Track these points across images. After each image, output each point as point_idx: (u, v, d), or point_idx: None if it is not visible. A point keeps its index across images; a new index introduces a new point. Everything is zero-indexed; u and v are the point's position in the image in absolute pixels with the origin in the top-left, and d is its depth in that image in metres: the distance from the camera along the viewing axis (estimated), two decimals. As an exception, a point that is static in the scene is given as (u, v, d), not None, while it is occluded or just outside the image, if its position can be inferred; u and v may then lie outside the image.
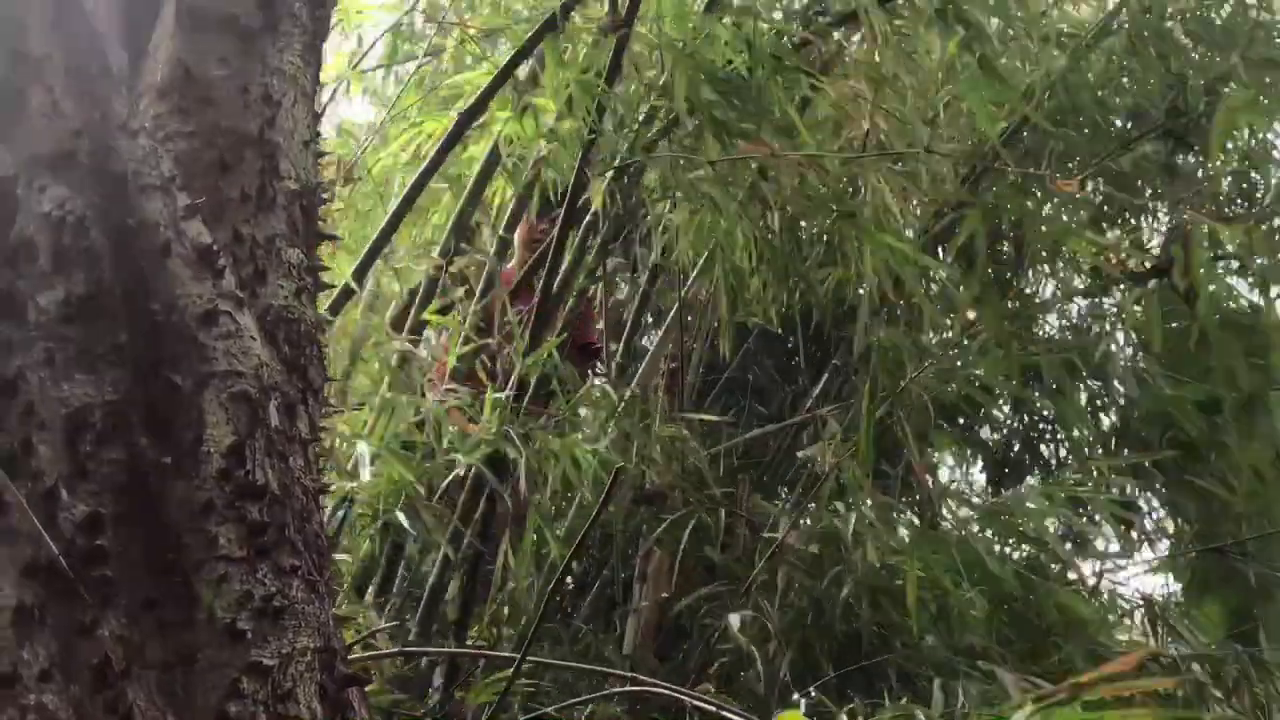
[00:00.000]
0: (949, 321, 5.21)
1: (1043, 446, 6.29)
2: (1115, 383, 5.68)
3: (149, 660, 1.48)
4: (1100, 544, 5.44)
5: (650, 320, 5.88)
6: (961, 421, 6.08)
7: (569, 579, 4.95)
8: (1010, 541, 4.83)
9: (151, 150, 1.88)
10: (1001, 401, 5.81)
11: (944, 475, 6.17)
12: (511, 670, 2.56)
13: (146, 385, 1.66)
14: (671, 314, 5.24)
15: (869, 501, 4.14)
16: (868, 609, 3.99)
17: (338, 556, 3.47)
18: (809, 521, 4.37)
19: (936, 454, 5.46)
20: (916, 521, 5.25)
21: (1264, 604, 5.46)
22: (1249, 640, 4.70)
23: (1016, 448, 6.30)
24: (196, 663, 1.49)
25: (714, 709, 2.32)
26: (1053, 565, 4.91)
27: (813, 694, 3.90)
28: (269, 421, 1.69)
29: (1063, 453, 6.16)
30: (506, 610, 4.39)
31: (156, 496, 1.58)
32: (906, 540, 4.24)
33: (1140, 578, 5.93)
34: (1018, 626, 4.31)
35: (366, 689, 1.67)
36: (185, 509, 1.57)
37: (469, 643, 4.01)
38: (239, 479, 1.60)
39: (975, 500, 5.54)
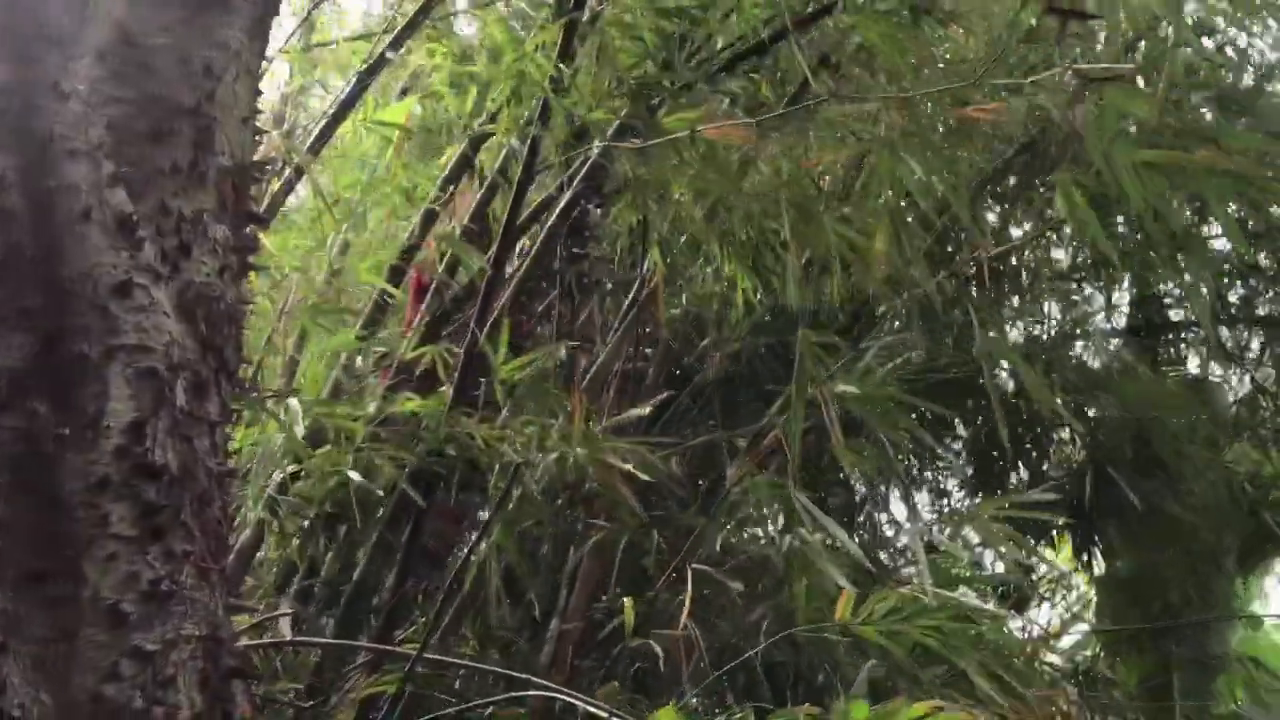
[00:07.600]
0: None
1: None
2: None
3: (28, 635, 1.45)
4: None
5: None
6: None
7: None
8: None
9: (83, 115, 1.84)
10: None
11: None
12: (405, 668, 2.54)
13: (52, 353, 1.63)
14: (629, 315, 5.16)
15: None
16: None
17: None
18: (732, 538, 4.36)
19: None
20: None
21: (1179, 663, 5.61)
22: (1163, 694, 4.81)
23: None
24: (77, 641, 1.45)
25: (605, 714, 2.33)
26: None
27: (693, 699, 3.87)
28: (175, 400, 1.66)
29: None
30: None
31: (51, 468, 1.55)
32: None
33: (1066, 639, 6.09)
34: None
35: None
36: (79, 483, 1.54)
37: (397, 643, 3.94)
38: (137, 456, 1.57)
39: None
